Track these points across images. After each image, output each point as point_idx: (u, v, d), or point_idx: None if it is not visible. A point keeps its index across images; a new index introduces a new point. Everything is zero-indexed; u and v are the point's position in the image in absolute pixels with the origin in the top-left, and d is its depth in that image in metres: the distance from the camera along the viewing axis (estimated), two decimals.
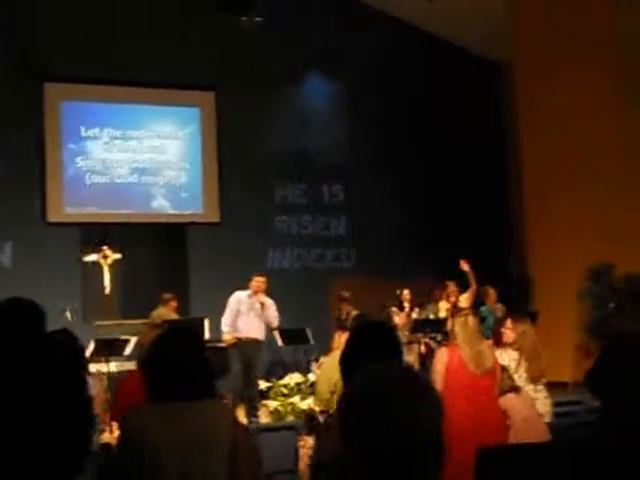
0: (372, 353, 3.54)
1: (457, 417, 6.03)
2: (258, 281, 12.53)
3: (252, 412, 11.69)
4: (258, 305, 12.41)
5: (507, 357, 7.33)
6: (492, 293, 13.82)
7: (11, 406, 1.50)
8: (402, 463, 1.88)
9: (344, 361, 3.77)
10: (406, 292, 14.05)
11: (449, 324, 7.34)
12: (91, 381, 6.33)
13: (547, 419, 7.25)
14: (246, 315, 12.49)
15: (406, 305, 13.92)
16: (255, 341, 12.51)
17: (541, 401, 7.32)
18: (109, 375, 11.63)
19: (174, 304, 13.54)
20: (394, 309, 13.76)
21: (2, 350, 1.57)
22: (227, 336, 12.10)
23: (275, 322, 12.76)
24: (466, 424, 5.96)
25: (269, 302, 12.66)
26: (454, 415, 6.03)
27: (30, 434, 1.51)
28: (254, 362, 12.49)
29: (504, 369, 6.99)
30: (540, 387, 7.41)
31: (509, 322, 7.82)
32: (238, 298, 12.60)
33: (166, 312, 13.17)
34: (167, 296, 13.56)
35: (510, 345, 7.56)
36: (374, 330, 3.84)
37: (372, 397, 1.92)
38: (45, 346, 1.62)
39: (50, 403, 1.54)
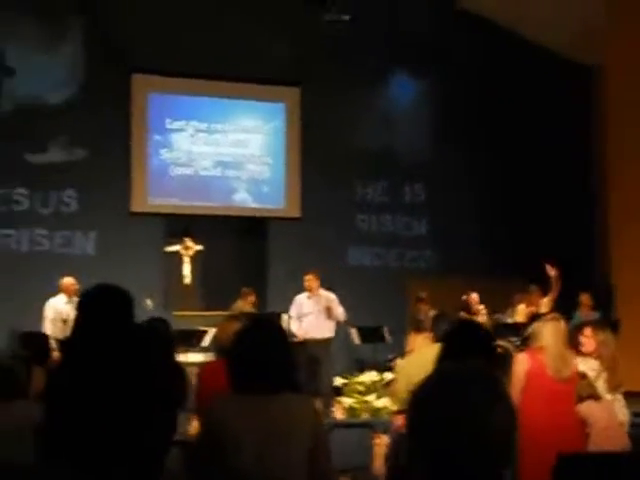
0: (467, 355, 3.52)
1: (536, 423, 5.98)
2: (307, 280, 12.80)
3: (325, 408, 11.79)
4: (320, 306, 12.63)
5: (587, 366, 7.23)
6: (587, 299, 13.62)
7: (108, 390, 1.52)
8: (465, 465, 1.86)
9: (439, 361, 3.75)
10: (474, 295, 13.91)
11: (530, 328, 7.23)
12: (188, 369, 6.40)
13: (625, 428, 7.14)
14: (309, 316, 12.68)
15: (479, 308, 13.76)
16: (321, 340, 12.70)
17: (619, 410, 7.21)
18: (186, 366, 11.75)
19: (252, 299, 13.64)
20: (463, 313, 13.63)
21: (98, 335, 1.60)
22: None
23: (340, 317, 12.91)
24: (545, 430, 5.91)
25: (331, 297, 12.89)
26: (534, 421, 5.99)
27: (127, 415, 1.53)
28: (322, 359, 12.67)
29: (584, 376, 6.90)
30: (618, 396, 7.30)
31: (588, 330, 7.70)
32: (299, 302, 12.86)
33: (244, 306, 13.27)
34: (246, 290, 13.68)
35: (590, 354, 7.45)
36: (469, 332, 3.81)
37: (440, 396, 1.90)
38: (142, 332, 1.64)
39: (137, 388, 1.56)
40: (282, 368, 3.57)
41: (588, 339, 7.54)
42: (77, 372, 1.48)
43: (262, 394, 3.49)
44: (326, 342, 12.95)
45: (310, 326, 12.77)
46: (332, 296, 13.03)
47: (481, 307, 13.83)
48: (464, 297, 13.91)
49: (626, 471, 4.41)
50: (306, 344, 12.60)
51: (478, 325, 4.16)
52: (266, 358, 3.53)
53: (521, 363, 6.47)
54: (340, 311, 12.95)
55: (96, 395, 1.51)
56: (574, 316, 13.16)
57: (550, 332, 6.52)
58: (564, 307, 12.28)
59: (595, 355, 7.36)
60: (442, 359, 3.77)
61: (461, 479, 1.88)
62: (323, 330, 12.91)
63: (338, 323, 13.20)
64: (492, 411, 1.89)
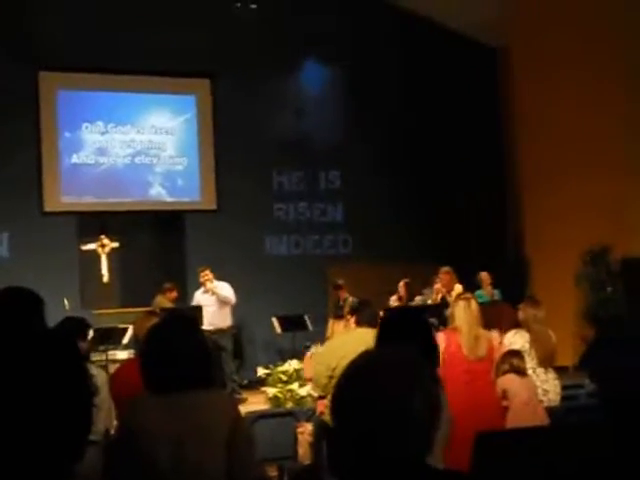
0: (402, 341, 3.55)
1: (455, 403, 6.06)
2: (203, 275, 13.42)
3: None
4: (213, 296, 13.08)
5: (521, 338, 7.37)
6: (487, 278, 13.87)
7: (8, 397, 1.51)
8: (384, 449, 1.89)
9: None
10: (401, 284, 14.02)
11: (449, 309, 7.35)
12: (95, 370, 6.32)
13: (557, 402, 7.29)
14: (206, 309, 13.07)
15: (402, 293, 13.89)
16: (221, 330, 13.17)
17: (551, 383, 7.35)
18: (107, 364, 11.68)
19: (172, 294, 13.62)
20: (393, 297, 13.75)
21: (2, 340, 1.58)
22: None
23: (231, 300, 13.66)
24: (464, 409, 5.99)
25: (218, 285, 13.56)
26: (453, 400, 6.06)
27: (29, 425, 1.52)
28: (225, 347, 13.45)
29: (516, 351, 7.02)
30: (550, 369, 7.44)
31: (523, 304, 7.83)
32: (197, 298, 13.38)
33: (163, 302, 13.23)
34: (166, 286, 13.67)
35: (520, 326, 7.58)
36: (401, 318, 3.83)
37: (358, 379, 1.93)
38: (43, 336, 1.63)
39: (48, 393, 1.55)
40: (195, 363, 3.54)
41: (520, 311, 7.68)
42: None
43: (176, 391, 3.46)
44: (225, 332, 13.35)
45: (211, 317, 13.14)
46: (221, 283, 13.43)
47: (404, 293, 13.93)
48: (401, 283, 13.97)
49: (544, 445, 4.50)
50: (211, 335, 12.90)
51: (415, 311, 4.20)
52: (177, 353, 3.49)
53: (439, 343, 6.56)
54: (227, 293, 13.61)
55: None
56: (477, 295, 13.37)
57: (461, 312, 6.63)
58: (468, 286, 12.50)
59: (525, 329, 7.49)
60: (377, 345, 3.79)
61: (379, 462, 1.90)
62: (223, 320, 13.41)
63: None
64: (408, 396, 1.91)
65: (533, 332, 7.43)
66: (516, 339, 7.37)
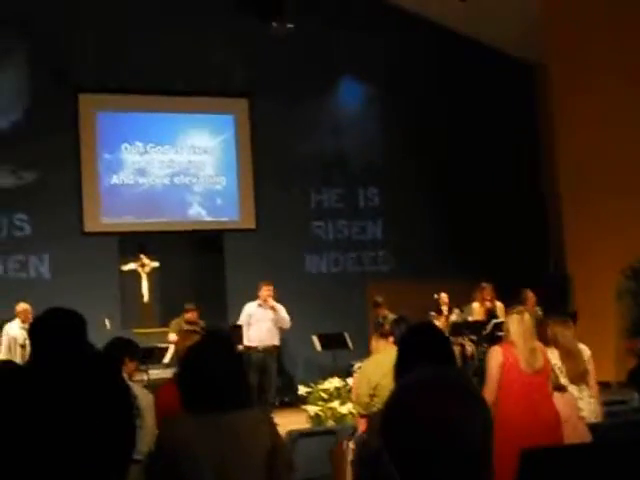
0: (424, 356, 3.50)
1: (513, 416, 6.03)
2: (267, 290, 13.17)
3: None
4: (270, 312, 13.00)
5: (551, 355, 7.29)
6: (531, 296, 13.76)
7: (51, 420, 1.50)
8: (445, 473, 1.86)
9: (397, 365, 3.72)
10: (444, 295, 14.01)
11: (490, 324, 7.30)
12: (139, 391, 6.32)
13: (593, 419, 7.19)
14: (257, 324, 12.99)
15: (444, 308, 13.87)
16: (271, 347, 13.02)
17: (585, 401, 7.26)
18: (148, 383, 11.70)
19: (188, 315, 13.40)
20: (432, 313, 13.72)
21: (43, 363, 1.58)
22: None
23: (287, 324, 13.38)
24: (522, 423, 5.95)
25: (279, 306, 13.42)
26: (510, 414, 6.03)
27: (71, 446, 1.51)
28: (271, 368, 13.04)
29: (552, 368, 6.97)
30: (583, 386, 7.34)
31: (552, 321, 7.77)
32: (248, 310, 13.17)
33: (180, 323, 13.21)
34: (186, 306, 13.52)
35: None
36: (424, 333, 3.79)
37: (414, 401, 1.89)
38: (85, 358, 1.62)
39: (90, 415, 1.54)
40: (234, 384, 3.51)
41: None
42: (25, 402, 1.47)
43: (214, 411, 3.43)
44: (274, 350, 13.33)
45: (258, 334, 13.11)
46: (279, 305, 13.43)
47: (444, 307, 13.90)
48: (435, 296, 13.97)
49: (588, 462, 4.44)
50: (255, 354, 12.88)
51: (432, 327, 4.14)
52: (215, 374, 3.47)
53: (495, 357, 6.51)
54: (287, 317, 13.58)
55: (42, 423, 1.49)
56: None
57: (515, 325, 6.59)
58: (511, 304, 12.39)
59: (556, 347, 7.42)
60: (398, 364, 3.74)
61: None
62: (273, 339, 13.23)
63: (283, 331, 13.72)
64: (472, 419, 1.89)
65: (563, 349, 7.35)
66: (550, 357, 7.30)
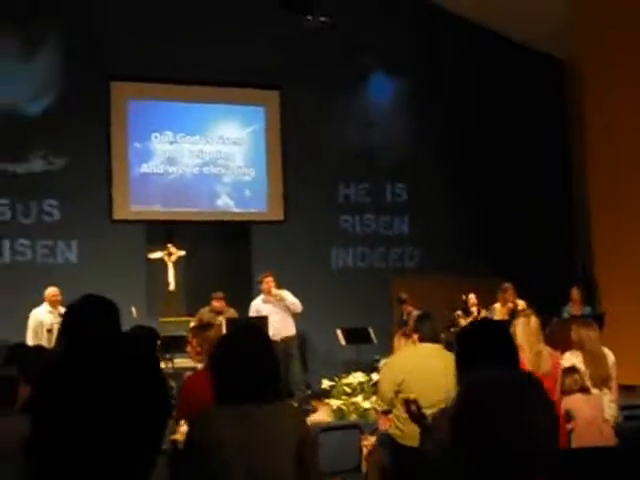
0: (486, 354, 3.43)
1: None
2: (268, 282, 12.97)
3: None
4: (276, 304, 12.86)
5: (575, 358, 7.25)
6: (577, 294, 13.70)
7: (89, 405, 1.52)
8: (507, 469, 1.86)
9: (458, 362, 3.64)
10: (472, 296, 13.96)
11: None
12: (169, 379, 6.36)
13: (612, 423, 7.14)
14: (272, 317, 12.83)
15: (473, 309, 13.82)
16: (288, 338, 12.91)
17: (607, 405, 7.21)
18: (174, 372, 11.75)
19: (216, 304, 13.36)
20: (459, 313, 13.68)
21: (80, 349, 1.60)
22: None
23: (299, 307, 13.16)
24: None
25: (283, 292, 13.19)
26: None
27: (109, 431, 1.53)
28: (293, 356, 12.93)
29: (575, 369, 6.92)
30: (605, 391, 7.29)
31: (575, 324, 7.72)
32: (256, 307, 13.05)
33: (205, 313, 13.21)
34: (214, 295, 13.43)
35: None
36: (488, 330, 3.72)
37: (489, 403, 1.89)
38: (127, 344, 1.64)
39: (127, 401, 1.56)
40: (265, 374, 3.53)
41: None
42: (64, 387, 1.47)
43: (248, 403, 3.45)
44: (292, 341, 13.19)
45: (277, 326, 12.93)
46: (284, 291, 13.22)
47: (474, 308, 13.87)
48: (464, 297, 13.93)
49: (608, 465, 4.43)
50: (277, 348, 12.75)
51: (495, 322, 4.04)
52: (249, 364, 3.49)
53: None
54: (294, 300, 13.30)
55: (85, 410, 1.51)
56: (564, 311, 13.27)
57: (521, 329, 6.58)
58: (552, 302, 12.33)
59: (579, 349, 7.37)
60: (460, 359, 3.64)
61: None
62: (286, 328, 13.14)
63: (297, 318, 13.46)
64: (534, 422, 1.90)
65: (587, 352, 7.29)
66: (571, 359, 7.25)
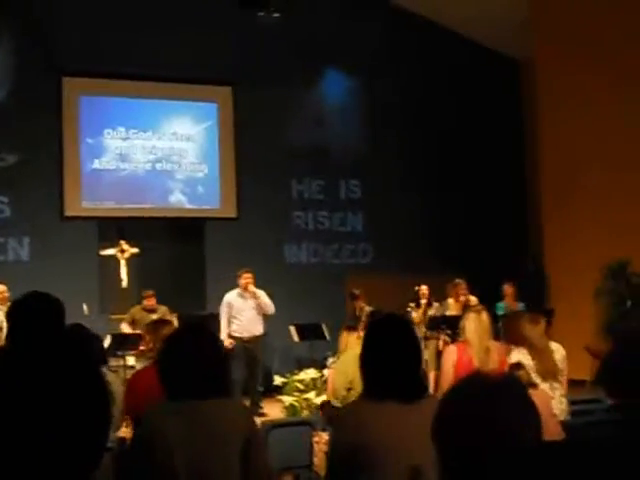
0: (390, 348, 3.50)
1: None
2: (247, 278, 12.83)
3: (255, 406, 12.21)
4: (251, 301, 12.74)
5: (522, 355, 7.29)
6: (510, 290, 13.82)
7: (28, 403, 1.51)
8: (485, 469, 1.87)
9: (364, 358, 3.69)
10: (424, 287, 14.00)
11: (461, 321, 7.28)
12: (111, 377, 6.33)
13: (562, 417, 7.19)
14: (240, 314, 12.74)
15: (423, 301, 13.87)
16: (256, 337, 12.82)
17: (557, 399, 7.26)
18: (125, 369, 11.69)
19: (147, 302, 13.13)
20: (411, 304, 13.73)
21: (21, 346, 1.59)
22: (226, 343, 12.29)
23: (271, 309, 13.03)
24: None
25: (260, 292, 12.95)
26: None
27: (48, 431, 1.52)
28: (258, 357, 12.84)
29: (521, 366, 6.96)
30: (556, 385, 7.34)
31: (522, 319, 7.77)
32: (228, 301, 12.88)
33: (137, 311, 13.02)
34: (144, 293, 13.13)
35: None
36: (389, 325, 3.76)
37: (474, 402, 1.90)
38: (63, 341, 1.63)
39: (68, 400, 1.55)
40: (214, 373, 3.55)
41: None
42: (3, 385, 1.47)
43: (195, 399, 3.46)
44: (259, 339, 13.08)
45: (242, 324, 12.83)
46: (260, 291, 13.12)
47: (423, 300, 13.90)
48: (416, 288, 13.96)
49: (555, 459, 4.47)
50: (243, 345, 12.67)
51: (396, 316, 4.05)
52: (198, 363, 3.50)
53: (450, 355, 6.54)
54: (269, 301, 13.06)
55: (18, 409, 1.50)
56: (497, 306, 13.35)
57: (472, 324, 6.60)
58: (489, 298, 12.41)
59: (525, 344, 7.41)
60: (365, 354, 3.70)
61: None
62: (256, 326, 13.01)
63: (267, 318, 13.27)
64: (522, 417, 1.92)
65: (533, 347, 7.33)
66: (517, 355, 7.28)
